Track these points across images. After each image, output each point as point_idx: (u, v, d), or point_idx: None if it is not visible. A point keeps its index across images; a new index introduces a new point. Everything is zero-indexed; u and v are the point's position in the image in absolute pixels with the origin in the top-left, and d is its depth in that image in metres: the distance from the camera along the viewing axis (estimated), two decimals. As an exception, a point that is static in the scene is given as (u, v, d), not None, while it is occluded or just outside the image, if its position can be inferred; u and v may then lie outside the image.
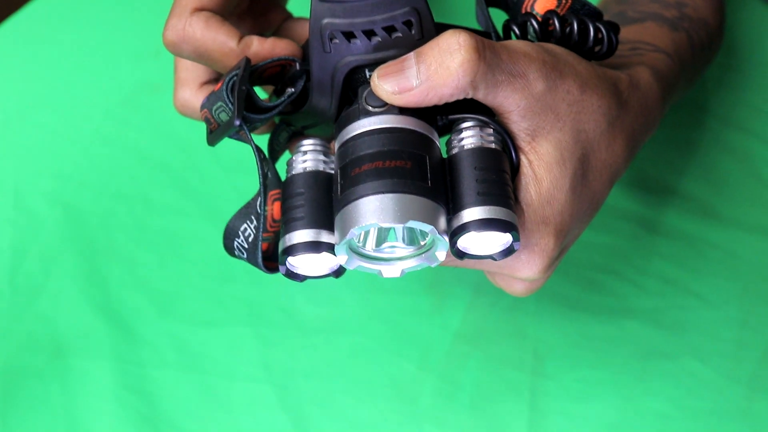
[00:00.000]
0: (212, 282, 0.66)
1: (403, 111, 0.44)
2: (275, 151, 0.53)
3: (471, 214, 0.42)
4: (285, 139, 0.53)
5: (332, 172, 0.45)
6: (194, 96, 0.52)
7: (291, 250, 0.43)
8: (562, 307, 0.63)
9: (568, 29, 0.49)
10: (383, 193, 0.41)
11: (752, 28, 0.76)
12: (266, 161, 0.46)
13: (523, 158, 0.45)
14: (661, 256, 0.65)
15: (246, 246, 0.47)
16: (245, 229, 0.47)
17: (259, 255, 0.46)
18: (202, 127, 0.72)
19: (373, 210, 0.41)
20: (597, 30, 0.49)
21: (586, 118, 0.46)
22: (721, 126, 0.71)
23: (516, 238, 0.43)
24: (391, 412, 0.60)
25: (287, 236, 0.44)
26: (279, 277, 0.66)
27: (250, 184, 0.61)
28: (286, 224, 0.44)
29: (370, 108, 0.44)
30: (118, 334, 0.64)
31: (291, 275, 0.45)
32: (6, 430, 0.61)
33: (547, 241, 0.46)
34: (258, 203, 0.46)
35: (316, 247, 0.43)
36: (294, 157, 0.46)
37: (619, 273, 0.65)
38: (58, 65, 0.76)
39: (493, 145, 0.44)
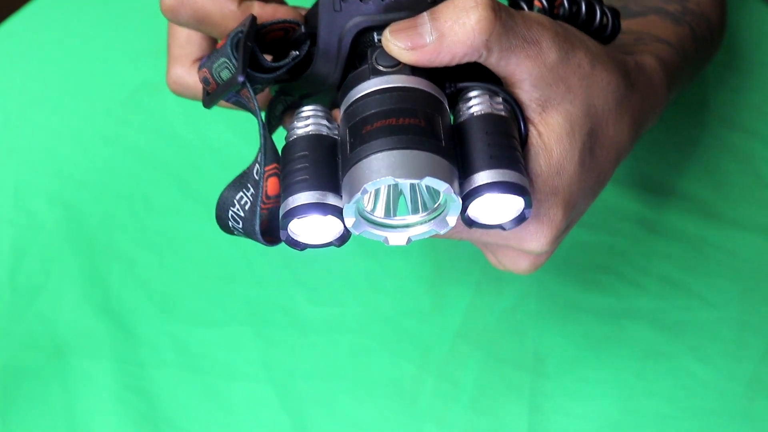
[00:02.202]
0: (212, 282, 0.66)
1: (414, 72, 0.43)
2: (271, 126, 0.51)
3: (484, 177, 0.41)
4: (280, 112, 0.51)
5: (336, 137, 0.43)
6: (187, 73, 0.52)
7: (295, 212, 0.41)
8: (563, 307, 0.63)
9: (575, 8, 0.49)
10: (399, 149, 0.39)
11: (753, 28, 0.76)
12: (266, 127, 0.44)
13: (532, 129, 0.45)
14: (661, 256, 0.65)
15: (242, 214, 0.45)
16: (241, 197, 0.45)
17: (257, 223, 0.44)
18: (202, 128, 0.72)
19: (388, 165, 0.39)
20: (603, 13, 0.49)
21: (595, 94, 0.46)
22: (721, 126, 0.71)
23: (528, 204, 0.42)
24: (391, 412, 0.60)
25: (290, 198, 0.41)
26: (279, 276, 0.66)
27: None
28: (288, 188, 0.42)
29: (381, 68, 0.43)
30: (118, 334, 0.64)
31: (291, 242, 0.43)
32: (6, 430, 0.61)
33: (555, 211, 0.45)
34: (255, 170, 0.44)
35: (322, 208, 0.41)
36: (293, 123, 0.44)
37: (619, 273, 0.65)
38: (58, 65, 0.76)
39: (503, 113, 0.43)
